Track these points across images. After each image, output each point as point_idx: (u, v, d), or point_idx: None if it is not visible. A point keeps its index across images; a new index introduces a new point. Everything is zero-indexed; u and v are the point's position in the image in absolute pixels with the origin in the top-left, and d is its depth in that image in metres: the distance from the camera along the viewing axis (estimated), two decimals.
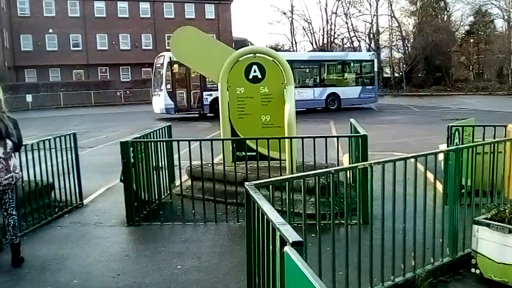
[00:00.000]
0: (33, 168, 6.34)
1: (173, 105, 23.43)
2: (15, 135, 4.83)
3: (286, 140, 6.66)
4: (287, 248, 2.02)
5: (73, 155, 7.11)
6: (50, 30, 45.79)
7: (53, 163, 6.69)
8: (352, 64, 29.15)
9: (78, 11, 47.48)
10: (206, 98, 23.90)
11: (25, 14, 45.61)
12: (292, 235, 2.11)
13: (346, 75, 28.64)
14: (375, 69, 29.60)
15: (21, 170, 5.21)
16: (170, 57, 22.34)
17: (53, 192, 6.87)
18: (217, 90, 20.85)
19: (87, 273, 4.77)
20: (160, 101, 23.69)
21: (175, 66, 22.94)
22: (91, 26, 47.01)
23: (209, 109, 23.86)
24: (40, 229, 6.18)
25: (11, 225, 4.93)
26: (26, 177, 5.98)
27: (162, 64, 23.76)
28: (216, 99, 21.23)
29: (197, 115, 24.64)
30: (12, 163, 4.76)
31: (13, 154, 4.83)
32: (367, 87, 28.56)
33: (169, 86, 23.39)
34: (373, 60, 29.37)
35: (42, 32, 45.50)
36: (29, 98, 37.05)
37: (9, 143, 4.75)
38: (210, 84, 22.85)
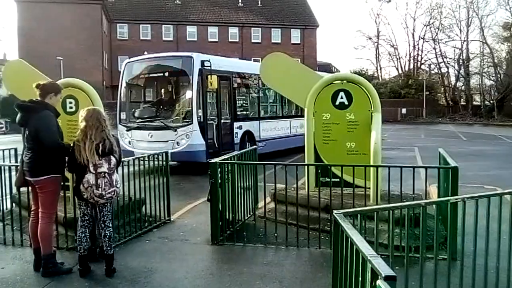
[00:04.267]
0: (128, 183, 6.77)
1: (205, 146, 12.95)
2: (117, 152, 5.22)
3: (372, 168, 6.59)
4: (380, 282, 2.03)
5: (164, 173, 7.46)
6: (145, 53, 48.51)
7: (146, 179, 7.08)
8: None
9: (171, 35, 50.37)
10: (237, 133, 14.66)
11: (123, 37, 49.22)
12: (384, 269, 2.11)
13: None
14: None
15: None
16: (202, 62, 13.16)
17: (143, 207, 7.24)
18: (248, 120, 15.78)
19: None
20: (180, 139, 12.78)
21: (213, 79, 12.96)
22: (183, 49, 49.20)
23: (239, 148, 13.57)
24: (131, 241, 6.51)
25: (107, 236, 5.25)
26: (121, 192, 6.36)
27: (184, 72, 13.55)
28: (246, 133, 14.97)
29: None
30: (114, 178, 5.12)
31: (115, 170, 5.19)
32: None
33: (200, 113, 12.95)
34: None
35: (138, 54, 48.18)
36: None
37: (113, 159, 5.11)
38: (241, 110, 15.60)
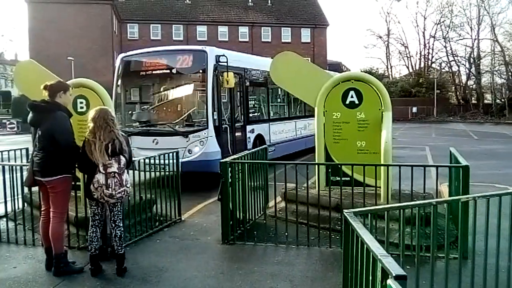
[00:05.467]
0: (139, 182, 6.80)
1: (220, 154, 10.75)
2: (127, 152, 5.24)
3: (382, 167, 6.56)
4: (390, 281, 2.02)
5: (174, 172, 7.48)
6: None
7: (156, 179, 7.10)
8: None
9: (181, 35, 50.58)
10: (249, 138, 12.79)
11: (134, 37, 49.46)
12: (395, 268, 2.10)
13: None
14: None
15: None
16: (217, 57, 11.09)
17: (154, 206, 7.27)
18: (259, 122, 13.79)
19: (184, 287, 4.98)
20: (192, 146, 10.78)
21: (230, 76, 10.88)
22: None
23: None
24: (142, 241, 6.54)
25: (118, 236, 5.29)
26: (131, 191, 6.39)
27: (196, 69, 11.40)
28: (257, 137, 13.25)
29: None
30: (124, 178, 5.13)
31: (125, 170, 5.21)
32: None
33: (215, 115, 10.95)
34: None
35: None
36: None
37: (122, 159, 5.13)
38: (252, 112, 13.69)
